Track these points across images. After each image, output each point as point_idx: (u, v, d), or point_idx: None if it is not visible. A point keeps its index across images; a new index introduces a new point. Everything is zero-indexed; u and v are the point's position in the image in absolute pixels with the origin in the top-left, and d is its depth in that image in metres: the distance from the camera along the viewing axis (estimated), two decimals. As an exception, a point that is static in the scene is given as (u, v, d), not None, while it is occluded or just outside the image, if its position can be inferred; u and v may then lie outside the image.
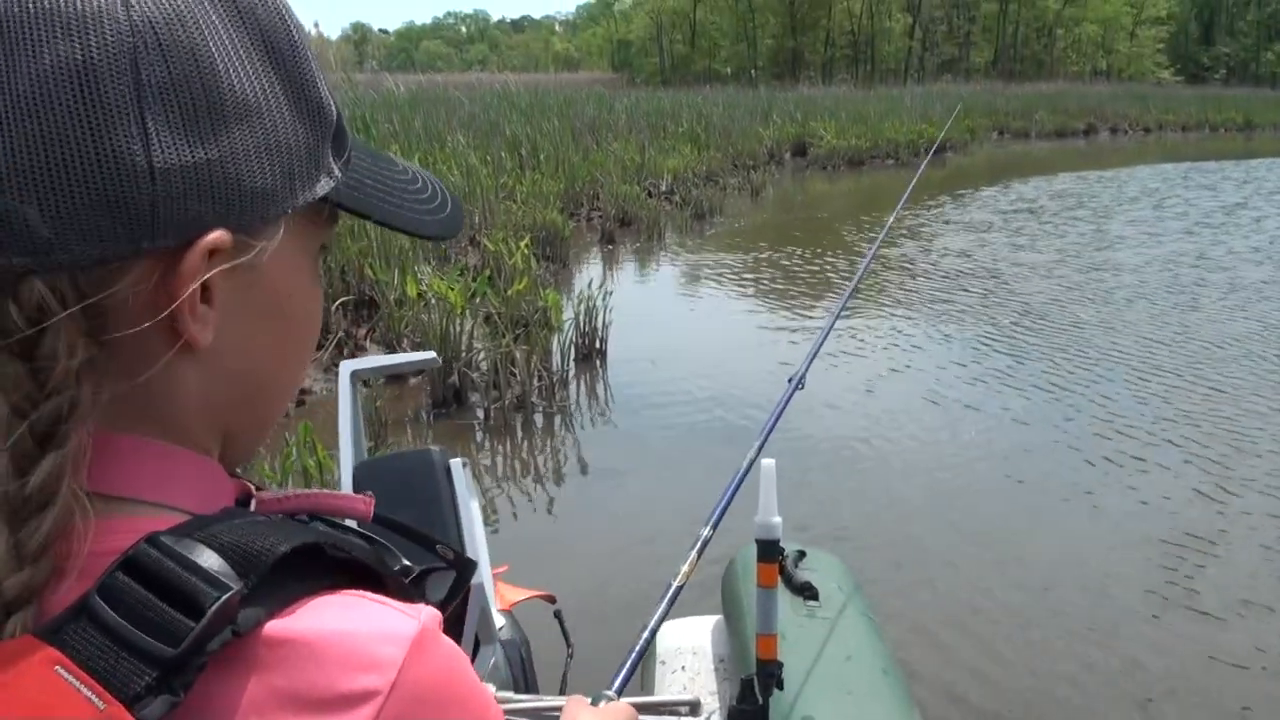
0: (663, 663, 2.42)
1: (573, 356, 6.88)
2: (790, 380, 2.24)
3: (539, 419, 6.14)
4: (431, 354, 1.76)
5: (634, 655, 1.36)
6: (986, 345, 7.82)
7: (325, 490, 0.70)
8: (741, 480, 1.76)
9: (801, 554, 2.47)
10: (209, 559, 0.52)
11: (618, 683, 1.28)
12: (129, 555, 0.51)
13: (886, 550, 4.43)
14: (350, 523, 0.74)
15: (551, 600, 2.45)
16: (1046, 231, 13.37)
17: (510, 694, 1.59)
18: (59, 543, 0.52)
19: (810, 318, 8.79)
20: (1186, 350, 7.61)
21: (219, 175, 0.56)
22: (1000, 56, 62.66)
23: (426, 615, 0.56)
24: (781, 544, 1.83)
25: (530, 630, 2.19)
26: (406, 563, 0.73)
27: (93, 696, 0.47)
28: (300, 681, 0.52)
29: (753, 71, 52.60)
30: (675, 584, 1.55)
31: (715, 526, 1.66)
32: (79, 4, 0.51)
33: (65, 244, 0.52)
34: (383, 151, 0.71)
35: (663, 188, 15.04)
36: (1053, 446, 5.69)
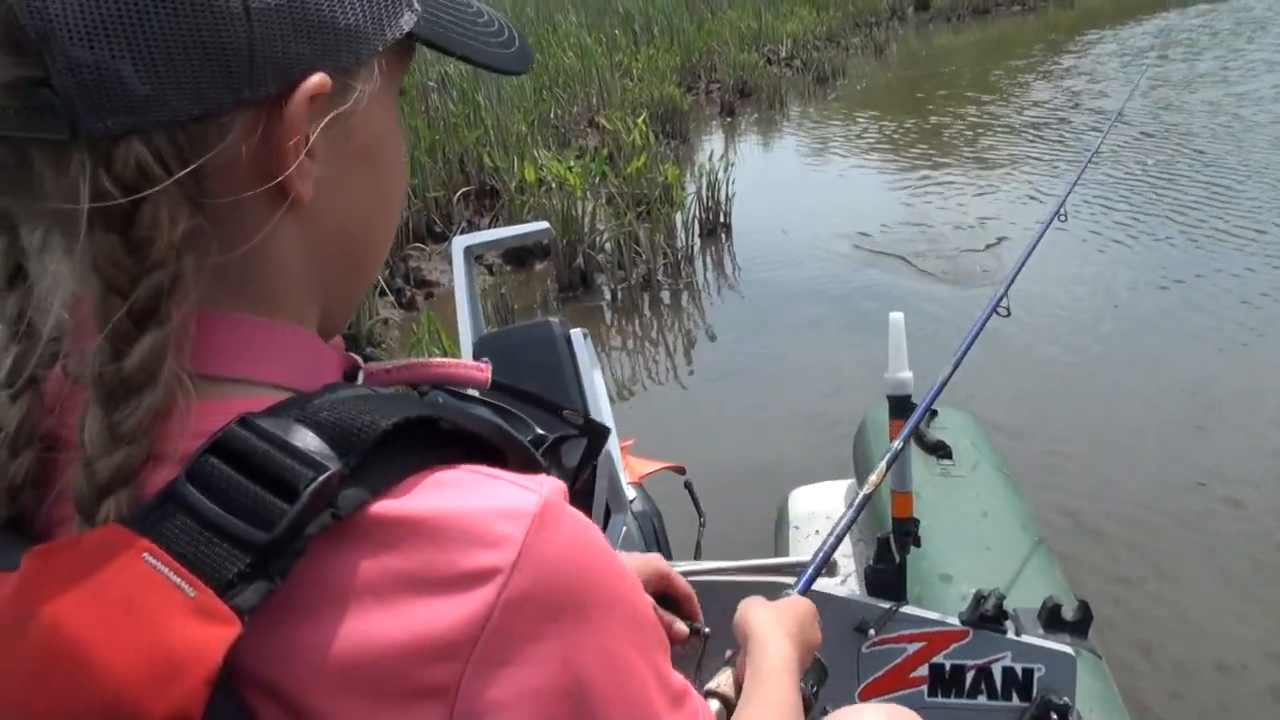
0: (796, 528, 2.42)
1: (697, 232, 6.81)
2: (1055, 214, 2.11)
3: (666, 296, 6.12)
4: (544, 224, 1.75)
5: (822, 556, 1.32)
6: (1104, 194, 7.49)
7: (439, 359, 0.66)
8: (981, 326, 1.69)
9: (933, 413, 2.43)
10: (305, 438, 0.49)
11: (802, 582, 1.25)
12: (219, 437, 0.49)
13: (1005, 403, 4.34)
14: (473, 393, 0.72)
15: (681, 471, 2.45)
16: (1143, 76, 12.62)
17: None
18: (158, 425, 0.50)
19: (940, 176, 8.52)
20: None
21: (313, 12, 0.52)
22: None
23: (549, 488, 0.53)
24: (913, 400, 1.80)
25: (661, 502, 2.21)
26: (540, 431, 0.71)
27: (182, 583, 0.46)
28: (417, 561, 0.49)
29: (871, -75, 50.47)
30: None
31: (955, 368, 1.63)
32: None
33: (163, 99, 0.48)
34: None
35: (782, 54, 14.62)
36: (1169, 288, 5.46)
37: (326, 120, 0.54)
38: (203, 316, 0.53)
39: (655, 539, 2.03)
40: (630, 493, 2.06)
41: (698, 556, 2.28)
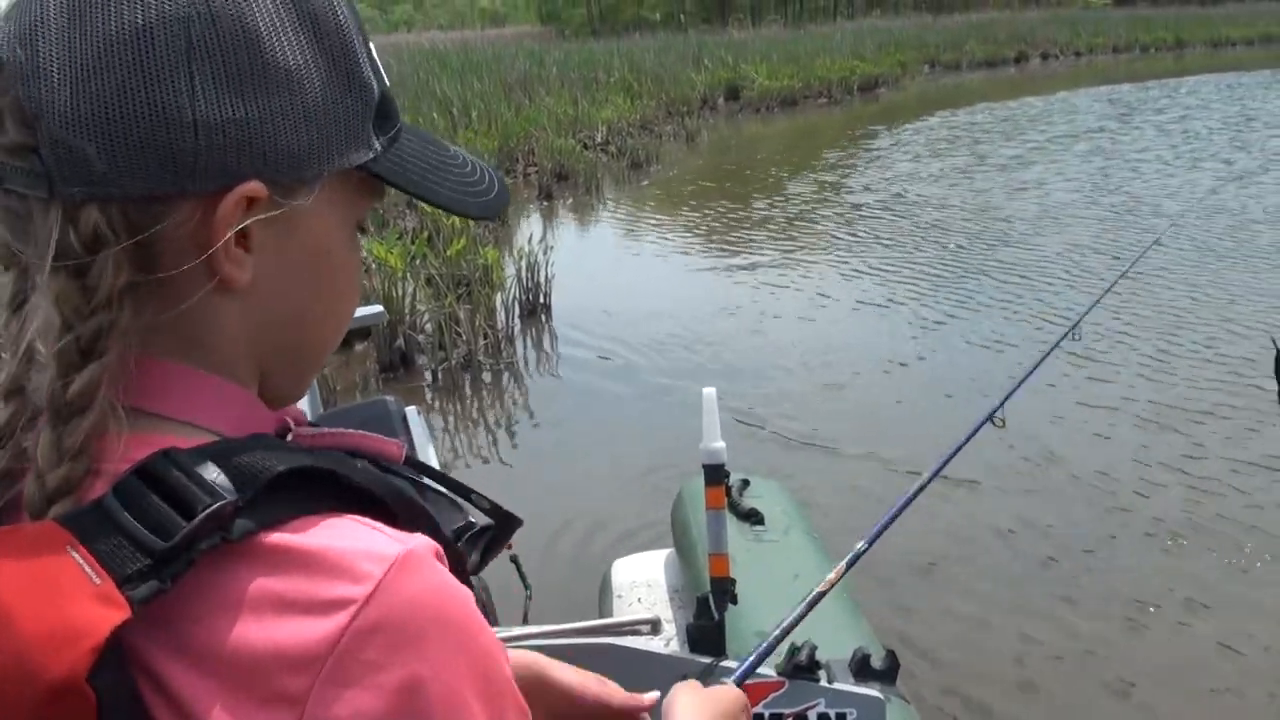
0: (619, 597, 2.49)
1: (517, 313, 6.91)
2: (990, 417, 2.04)
3: (487, 376, 6.18)
4: (379, 308, 1.81)
5: (761, 648, 1.32)
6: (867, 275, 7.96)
7: (362, 432, 0.74)
8: (909, 501, 1.59)
9: (745, 482, 2.56)
10: (212, 473, 0.58)
11: (739, 673, 1.26)
12: (143, 463, 0.58)
13: (828, 474, 4.55)
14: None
15: (508, 546, 2.51)
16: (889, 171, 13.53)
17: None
18: (96, 446, 0.60)
19: (750, 257, 8.88)
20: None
21: (256, 133, 0.62)
22: (928, -12, 62.74)
23: (417, 542, 0.60)
24: (727, 469, 1.90)
25: (488, 575, 2.26)
26: (459, 525, 0.77)
27: (91, 573, 0.54)
28: (288, 585, 0.57)
29: (681, 16, 52.25)
30: (817, 590, 1.43)
31: (871, 542, 1.50)
32: None
33: (116, 179, 0.59)
34: (437, 138, 0.77)
35: (598, 139, 14.99)
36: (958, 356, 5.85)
37: (261, 219, 0.64)
38: (146, 361, 0.63)
39: (483, 610, 2.07)
40: (458, 565, 2.10)
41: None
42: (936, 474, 1.66)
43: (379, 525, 0.61)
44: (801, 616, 1.39)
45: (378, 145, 0.70)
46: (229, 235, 0.63)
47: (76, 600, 0.54)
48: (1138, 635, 3.38)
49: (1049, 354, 2.04)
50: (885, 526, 1.49)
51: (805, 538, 2.37)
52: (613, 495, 4.36)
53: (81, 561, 0.55)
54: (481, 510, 0.80)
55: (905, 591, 3.62)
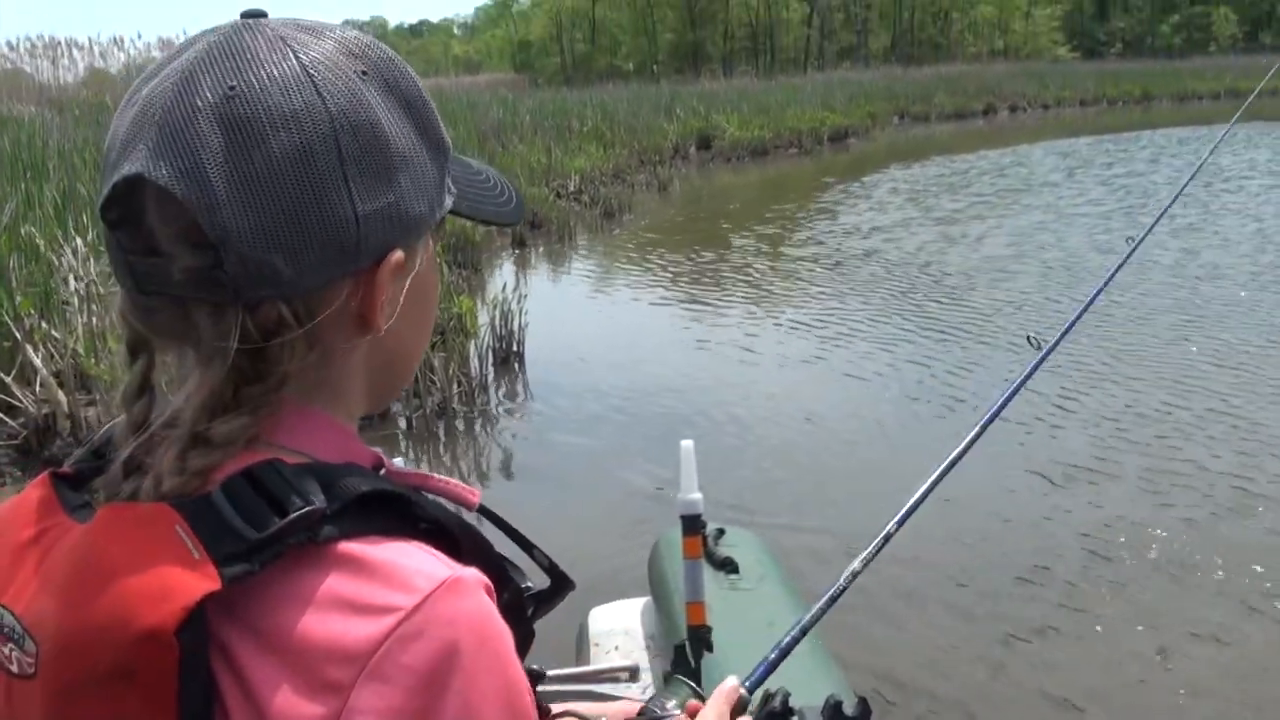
0: (596, 645, 2.52)
1: (491, 361, 6.94)
2: (1033, 343, 2.07)
3: (460, 424, 6.21)
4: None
5: (775, 652, 1.35)
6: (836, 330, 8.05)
7: (444, 477, 0.83)
8: (950, 467, 1.56)
9: (721, 532, 2.60)
10: (308, 484, 0.67)
11: (754, 677, 1.30)
12: (251, 468, 0.68)
13: (807, 519, 4.59)
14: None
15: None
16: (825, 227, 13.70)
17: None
18: (220, 467, 0.68)
19: (721, 306, 8.97)
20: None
21: (396, 211, 0.73)
22: (898, 41, 63.71)
23: (468, 572, 0.68)
24: (703, 519, 1.95)
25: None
26: (530, 583, 0.84)
27: (193, 548, 0.63)
28: (351, 589, 0.65)
29: (654, 67, 52.88)
30: (850, 572, 1.42)
31: (901, 524, 1.46)
32: (288, 103, 0.68)
33: (302, 279, 0.69)
34: (461, 156, 0.86)
35: (571, 188, 15.08)
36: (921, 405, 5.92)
37: (405, 279, 0.76)
38: (287, 403, 0.73)
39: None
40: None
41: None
42: (966, 451, 1.64)
43: (439, 553, 0.70)
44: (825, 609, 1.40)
45: (454, 189, 0.80)
46: (389, 299, 0.74)
47: (177, 568, 0.63)
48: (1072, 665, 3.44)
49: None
50: (914, 508, 1.47)
51: (779, 586, 2.42)
52: (588, 542, 4.38)
53: (186, 538, 0.64)
54: (541, 566, 0.87)
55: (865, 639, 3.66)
